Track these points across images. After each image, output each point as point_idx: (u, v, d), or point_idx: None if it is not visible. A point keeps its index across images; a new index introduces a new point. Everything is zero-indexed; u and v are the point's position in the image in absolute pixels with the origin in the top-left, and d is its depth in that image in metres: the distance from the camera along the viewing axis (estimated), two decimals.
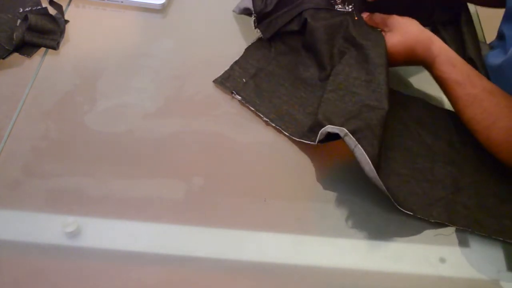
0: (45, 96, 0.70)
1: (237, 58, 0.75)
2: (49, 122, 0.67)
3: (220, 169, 0.64)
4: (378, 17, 0.72)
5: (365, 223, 0.60)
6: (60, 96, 0.70)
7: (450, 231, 0.60)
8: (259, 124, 0.69)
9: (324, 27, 0.72)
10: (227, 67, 0.74)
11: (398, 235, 0.60)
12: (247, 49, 0.77)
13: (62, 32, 0.77)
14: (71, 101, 0.70)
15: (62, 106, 0.69)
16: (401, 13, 0.72)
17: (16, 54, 0.74)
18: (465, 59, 0.75)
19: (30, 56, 0.74)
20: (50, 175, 0.62)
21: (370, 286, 0.56)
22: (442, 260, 0.58)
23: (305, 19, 0.74)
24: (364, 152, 0.59)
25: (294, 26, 0.76)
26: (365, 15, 0.74)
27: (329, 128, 0.61)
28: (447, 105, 0.71)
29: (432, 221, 0.60)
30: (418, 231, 0.60)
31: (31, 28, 0.74)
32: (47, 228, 0.57)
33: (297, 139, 0.66)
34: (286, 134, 0.67)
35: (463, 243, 0.59)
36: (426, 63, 0.67)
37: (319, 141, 0.63)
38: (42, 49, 0.75)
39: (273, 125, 0.68)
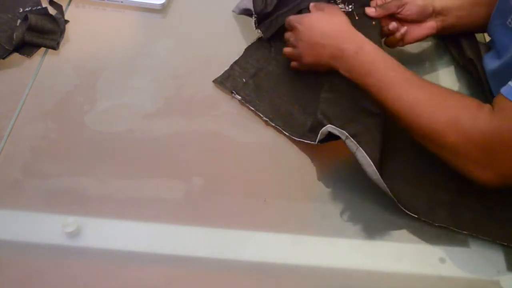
0: (45, 96, 0.70)
1: (237, 58, 0.75)
2: (49, 122, 0.67)
3: (220, 169, 0.64)
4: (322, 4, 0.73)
5: (365, 223, 0.60)
6: (60, 96, 0.70)
7: (450, 231, 0.60)
8: (259, 124, 0.69)
9: None
10: (227, 67, 0.74)
11: (398, 235, 0.60)
12: (247, 49, 0.77)
13: (62, 32, 0.77)
14: (71, 101, 0.70)
15: (62, 106, 0.69)
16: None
17: (16, 54, 0.74)
18: (465, 60, 0.76)
19: (30, 56, 0.74)
20: (50, 175, 0.62)
21: (370, 286, 0.56)
22: (442, 260, 0.58)
23: None
24: (366, 155, 0.59)
25: None
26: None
27: (330, 128, 0.61)
28: None
29: (436, 225, 0.60)
30: (418, 231, 0.60)
31: (31, 28, 0.74)
32: (47, 228, 0.57)
33: (297, 139, 0.66)
34: (286, 134, 0.67)
35: (463, 243, 0.59)
36: (350, 49, 0.64)
37: (319, 141, 0.63)
38: (42, 49, 0.75)
39: (273, 124, 0.68)
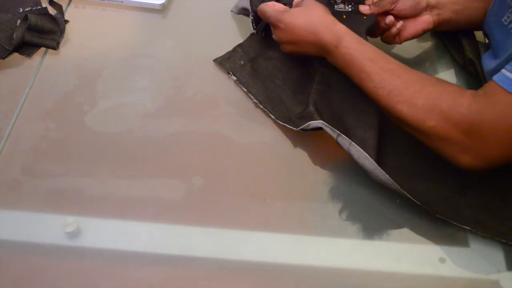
0: (45, 96, 0.70)
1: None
2: (49, 122, 0.67)
3: (220, 169, 0.64)
4: None
5: (365, 223, 0.60)
6: (60, 96, 0.70)
7: (450, 231, 0.60)
8: (259, 124, 0.69)
9: None
10: None
11: (398, 235, 0.60)
12: (252, 34, 0.78)
13: (62, 32, 0.77)
14: (71, 101, 0.70)
15: (62, 106, 0.69)
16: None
17: (16, 54, 0.74)
18: (464, 60, 0.76)
19: (30, 56, 0.74)
20: (50, 175, 0.62)
21: (370, 286, 0.56)
22: (442, 260, 0.58)
23: None
24: (360, 148, 0.59)
25: None
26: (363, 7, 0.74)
27: (320, 123, 0.62)
28: None
29: (437, 216, 0.59)
30: (418, 231, 0.60)
31: (31, 28, 0.74)
32: (47, 228, 0.57)
33: (281, 123, 0.67)
34: (272, 117, 0.68)
35: (463, 243, 0.59)
36: (330, 44, 0.65)
37: (302, 130, 0.64)
38: (42, 49, 0.75)
39: (261, 107, 0.69)
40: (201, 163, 0.65)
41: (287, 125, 0.66)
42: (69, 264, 0.55)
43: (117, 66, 0.75)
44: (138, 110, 0.69)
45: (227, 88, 0.73)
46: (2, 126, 0.66)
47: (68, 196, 0.60)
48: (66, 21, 0.79)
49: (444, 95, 0.57)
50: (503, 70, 0.54)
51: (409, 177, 0.63)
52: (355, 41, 0.64)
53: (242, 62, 0.74)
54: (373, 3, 0.73)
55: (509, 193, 0.62)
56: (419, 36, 0.75)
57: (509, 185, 0.63)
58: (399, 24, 0.73)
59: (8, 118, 0.67)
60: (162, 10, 0.84)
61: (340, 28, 0.65)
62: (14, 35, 0.74)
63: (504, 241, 0.58)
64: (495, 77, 0.55)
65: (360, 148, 0.59)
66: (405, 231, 0.60)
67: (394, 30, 0.73)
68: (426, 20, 0.73)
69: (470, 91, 0.57)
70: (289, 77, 0.73)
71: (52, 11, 0.79)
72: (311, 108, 0.65)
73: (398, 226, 0.60)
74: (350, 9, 0.75)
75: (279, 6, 0.72)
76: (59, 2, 0.81)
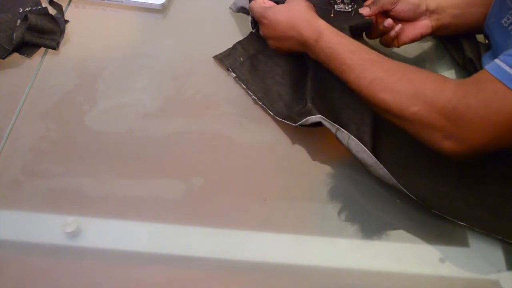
0: (45, 96, 0.70)
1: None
2: (49, 122, 0.67)
3: (220, 169, 0.64)
4: None
5: (365, 223, 0.60)
6: (60, 96, 0.70)
7: (450, 231, 0.60)
8: (259, 124, 0.69)
9: None
10: None
11: (397, 235, 0.60)
12: (252, 33, 0.78)
13: (62, 32, 0.77)
14: (71, 101, 0.70)
15: (62, 106, 0.69)
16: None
17: (16, 54, 0.74)
18: (464, 60, 0.76)
19: (30, 56, 0.74)
20: (50, 175, 0.62)
21: (370, 286, 0.56)
22: (442, 260, 0.58)
23: None
24: (359, 142, 0.59)
25: None
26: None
27: (319, 118, 0.62)
28: None
29: (433, 211, 0.59)
30: (418, 231, 0.60)
31: (31, 28, 0.74)
32: (47, 228, 0.57)
33: (279, 119, 0.67)
34: (271, 113, 0.68)
35: (463, 243, 0.60)
36: (311, 38, 0.66)
37: (301, 125, 0.64)
38: (42, 49, 0.75)
39: (260, 103, 0.69)
40: (201, 163, 0.65)
41: (285, 121, 0.66)
42: (69, 264, 0.55)
43: (117, 66, 0.75)
44: (138, 110, 0.70)
45: (227, 88, 0.73)
46: (2, 126, 0.66)
47: (68, 196, 0.60)
48: (66, 21, 0.79)
49: (427, 81, 0.57)
50: (495, 60, 0.54)
51: (406, 172, 0.63)
52: (335, 35, 0.65)
53: (241, 59, 0.75)
54: (372, 2, 0.73)
55: (506, 190, 0.62)
56: (417, 40, 0.75)
57: (507, 181, 0.63)
58: (398, 27, 0.73)
59: (8, 118, 0.67)
60: (162, 10, 0.84)
61: (321, 24, 0.66)
62: (14, 35, 0.74)
63: (500, 238, 0.58)
64: (486, 66, 0.54)
65: (359, 142, 0.59)
66: (405, 231, 0.60)
67: (392, 33, 0.73)
68: (424, 25, 0.73)
69: (455, 79, 0.57)
70: (288, 73, 0.73)
71: (52, 11, 0.79)
72: (309, 105, 0.65)
73: (398, 226, 0.60)
74: (350, 9, 0.75)
75: (269, 3, 0.74)
76: (59, 2, 0.81)
